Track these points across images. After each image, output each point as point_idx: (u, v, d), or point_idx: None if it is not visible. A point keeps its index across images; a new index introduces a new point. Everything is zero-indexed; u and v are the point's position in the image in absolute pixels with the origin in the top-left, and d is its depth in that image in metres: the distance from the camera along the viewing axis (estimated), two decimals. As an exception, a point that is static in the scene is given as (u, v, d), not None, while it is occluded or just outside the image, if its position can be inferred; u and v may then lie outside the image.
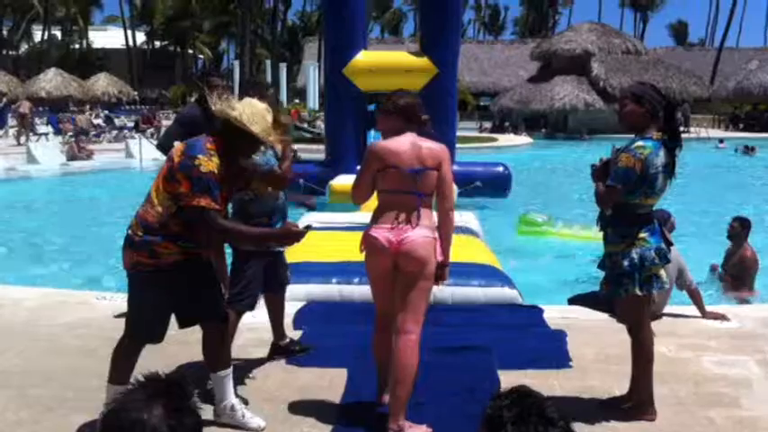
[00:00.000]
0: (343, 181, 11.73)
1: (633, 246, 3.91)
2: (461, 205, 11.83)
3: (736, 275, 7.44)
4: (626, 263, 3.92)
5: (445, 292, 5.97)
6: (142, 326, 3.71)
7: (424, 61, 12.43)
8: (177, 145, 3.71)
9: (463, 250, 7.20)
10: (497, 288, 6.27)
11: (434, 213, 3.86)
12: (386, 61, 13.16)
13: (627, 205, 3.91)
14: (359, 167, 3.97)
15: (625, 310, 4.14)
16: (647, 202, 3.94)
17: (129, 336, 3.74)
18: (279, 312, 4.95)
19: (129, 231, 3.59)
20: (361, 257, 3.94)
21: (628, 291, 3.95)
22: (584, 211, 13.15)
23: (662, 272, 4.00)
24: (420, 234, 3.68)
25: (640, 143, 3.87)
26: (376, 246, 3.75)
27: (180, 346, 4.59)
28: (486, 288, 6.24)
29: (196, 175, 3.41)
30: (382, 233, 3.72)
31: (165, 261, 3.53)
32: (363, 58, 12.63)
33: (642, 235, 3.92)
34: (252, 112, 3.57)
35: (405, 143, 3.75)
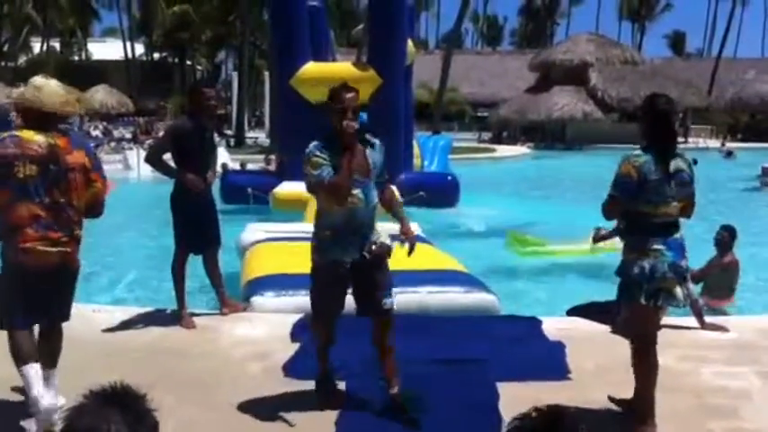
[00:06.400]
0: (287, 188, 11.67)
1: (646, 256, 3.87)
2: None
3: (716, 283, 7.34)
4: (635, 270, 3.88)
5: (426, 298, 6.04)
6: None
7: (368, 72, 12.45)
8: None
9: (429, 259, 7.16)
10: (477, 293, 6.29)
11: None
12: (330, 72, 13.15)
13: (638, 214, 3.91)
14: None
15: (630, 320, 4.08)
16: (659, 211, 3.89)
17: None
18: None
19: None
20: None
21: (632, 298, 3.91)
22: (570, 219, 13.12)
23: (677, 290, 3.91)
24: None
25: (637, 152, 3.92)
26: None
27: (172, 356, 4.55)
28: (465, 294, 6.26)
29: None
30: None
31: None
32: (309, 69, 12.70)
33: (656, 246, 3.87)
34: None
35: None
